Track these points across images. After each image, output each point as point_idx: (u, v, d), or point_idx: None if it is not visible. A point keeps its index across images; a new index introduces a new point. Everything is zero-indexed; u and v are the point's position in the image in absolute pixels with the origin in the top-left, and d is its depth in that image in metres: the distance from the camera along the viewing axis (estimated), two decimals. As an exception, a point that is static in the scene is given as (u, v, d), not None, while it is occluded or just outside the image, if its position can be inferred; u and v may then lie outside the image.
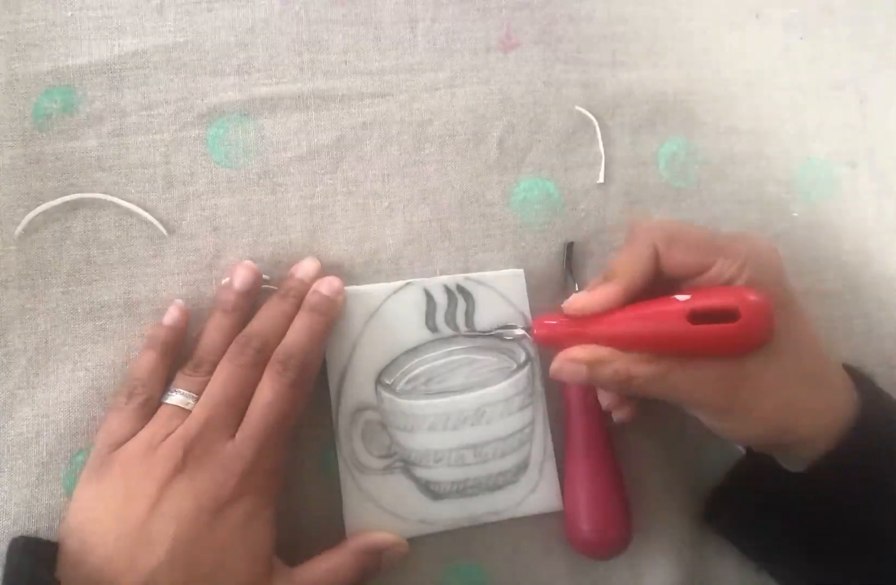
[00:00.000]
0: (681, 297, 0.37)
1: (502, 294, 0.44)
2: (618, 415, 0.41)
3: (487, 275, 0.45)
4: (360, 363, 0.42)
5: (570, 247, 0.46)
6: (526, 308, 0.45)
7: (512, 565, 0.44)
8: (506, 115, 0.47)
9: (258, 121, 0.45)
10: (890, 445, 0.38)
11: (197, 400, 0.39)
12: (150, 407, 0.40)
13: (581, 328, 0.39)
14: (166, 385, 0.40)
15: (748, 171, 0.49)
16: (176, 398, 0.39)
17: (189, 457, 0.37)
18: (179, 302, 0.42)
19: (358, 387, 0.42)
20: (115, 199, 0.43)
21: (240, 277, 0.41)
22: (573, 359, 0.38)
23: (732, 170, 0.49)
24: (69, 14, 0.44)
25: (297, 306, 0.41)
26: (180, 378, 0.40)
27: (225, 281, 0.42)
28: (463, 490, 0.43)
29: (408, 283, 0.43)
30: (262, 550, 0.38)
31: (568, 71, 0.48)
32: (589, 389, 0.43)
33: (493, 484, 0.43)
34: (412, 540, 0.42)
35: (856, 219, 0.50)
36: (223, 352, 0.40)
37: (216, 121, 0.44)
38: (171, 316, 0.41)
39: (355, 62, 0.46)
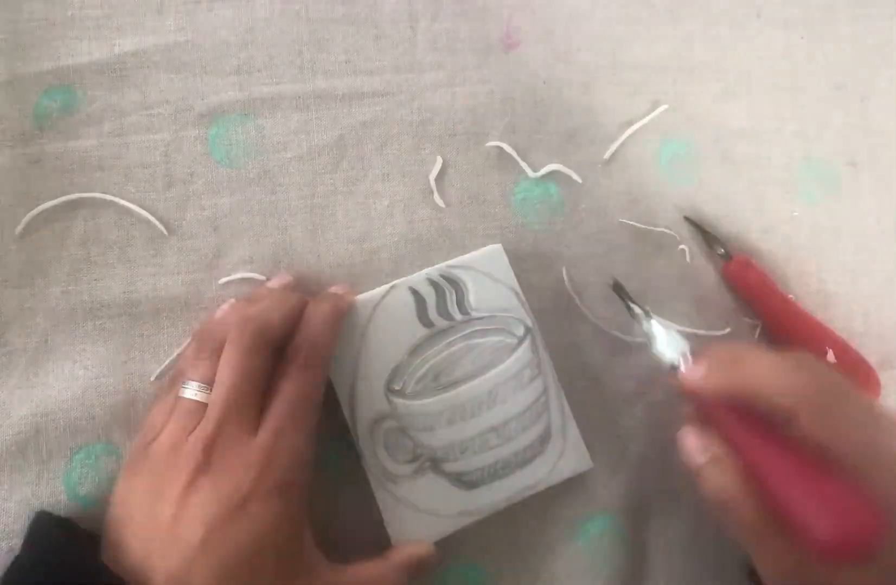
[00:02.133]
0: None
1: (487, 273, 0.44)
2: None
3: (467, 257, 0.44)
4: (366, 375, 0.42)
5: (617, 286, 0.45)
6: (514, 282, 0.44)
7: (512, 564, 0.44)
8: (506, 115, 0.47)
9: (258, 121, 0.45)
10: None
11: (207, 390, 0.38)
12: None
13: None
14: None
15: (748, 171, 0.49)
16: (186, 391, 0.38)
17: (210, 459, 0.36)
18: (233, 300, 0.42)
19: (370, 400, 0.42)
20: (115, 199, 0.43)
21: (275, 280, 0.43)
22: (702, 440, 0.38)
23: (732, 170, 0.49)
24: (69, 13, 0.44)
25: (301, 300, 0.41)
26: (192, 366, 0.39)
27: None
28: (494, 473, 0.43)
29: (392, 286, 0.43)
30: (293, 548, 0.37)
31: (568, 70, 0.48)
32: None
33: (522, 460, 0.43)
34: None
35: (856, 218, 0.50)
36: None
37: (216, 120, 0.44)
38: (222, 309, 0.41)
39: (356, 61, 0.46)
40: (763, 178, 0.50)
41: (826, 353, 0.46)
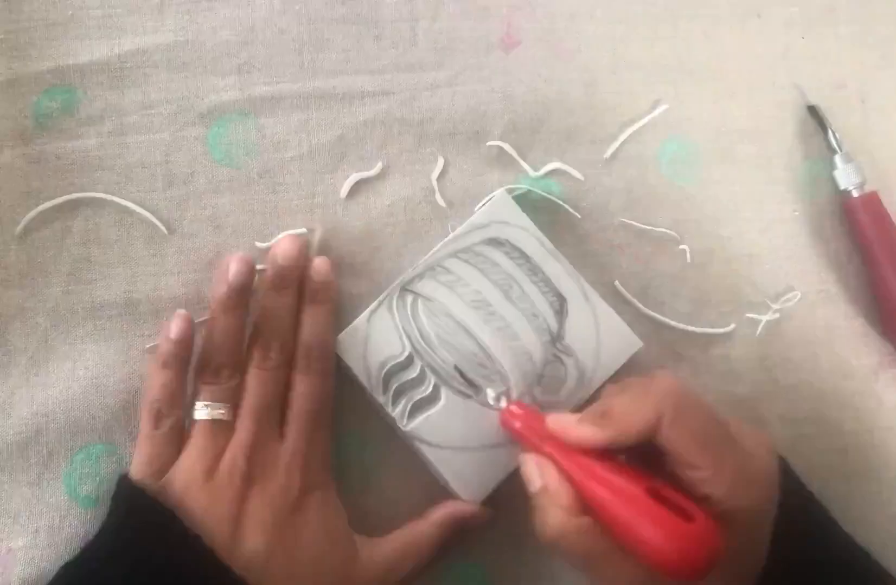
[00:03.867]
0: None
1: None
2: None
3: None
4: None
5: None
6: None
7: (513, 564, 0.44)
8: (507, 114, 0.47)
9: (259, 121, 0.45)
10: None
11: (228, 408, 0.39)
12: (180, 426, 0.39)
13: (548, 446, 0.38)
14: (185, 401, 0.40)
15: (748, 171, 0.49)
16: (207, 412, 0.39)
17: (253, 469, 0.38)
18: (181, 311, 0.40)
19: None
20: (116, 199, 0.43)
21: (234, 270, 0.40)
22: (535, 468, 0.37)
23: (733, 170, 0.49)
24: (69, 13, 0.44)
25: (295, 293, 0.41)
26: (203, 389, 0.39)
27: (217, 277, 0.41)
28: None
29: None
30: (342, 534, 0.39)
31: (569, 70, 0.48)
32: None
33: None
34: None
35: (857, 218, 0.50)
36: (237, 352, 0.40)
37: (217, 120, 0.44)
38: (178, 328, 0.39)
39: (356, 61, 0.46)
40: (763, 178, 0.50)
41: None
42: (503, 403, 0.42)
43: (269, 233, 0.44)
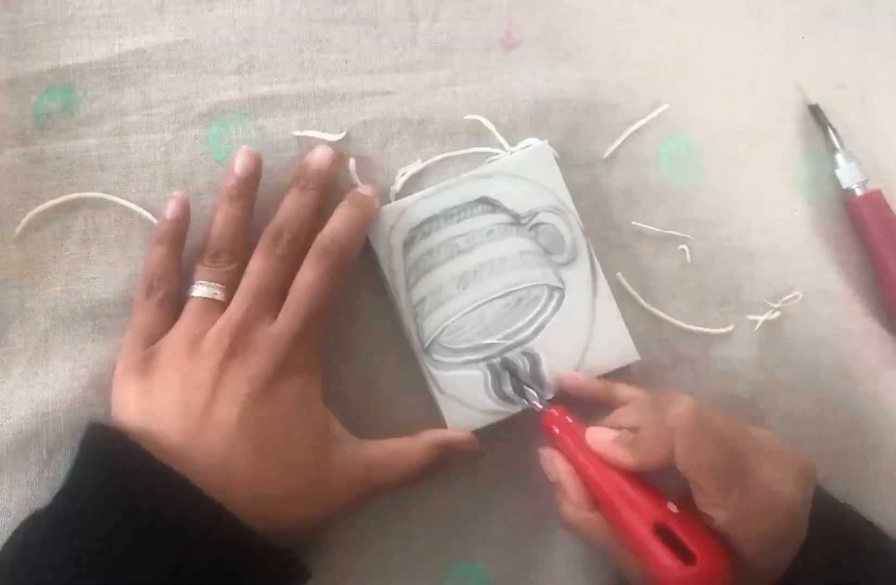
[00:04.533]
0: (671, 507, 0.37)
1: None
2: None
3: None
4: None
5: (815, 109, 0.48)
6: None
7: (513, 564, 0.44)
8: (507, 114, 0.47)
9: (259, 121, 0.45)
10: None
11: (223, 290, 0.40)
12: (171, 300, 0.40)
13: (580, 453, 0.39)
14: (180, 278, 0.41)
15: (749, 171, 0.49)
16: (202, 290, 0.40)
17: (236, 344, 0.38)
18: (177, 193, 0.42)
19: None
20: (116, 198, 0.43)
21: (240, 163, 0.41)
22: (551, 463, 0.40)
23: (733, 170, 0.49)
24: (69, 13, 0.44)
25: (319, 197, 0.42)
26: (201, 270, 0.41)
27: (226, 170, 0.42)
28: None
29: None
30: (319, 421, 0.40)
31: (569, 69, 0.48)
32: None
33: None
34: (417, 532, 0.43)
35: (857, 218, 0.50)
36: (238, 240, 0.41)
37: (217, 120, 0.44)
38: (172, 209, 0.41)
39: (356, 61, 0.46)
40: (763, 178, 0.50)
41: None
42: (543, 405, 0.42)
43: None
